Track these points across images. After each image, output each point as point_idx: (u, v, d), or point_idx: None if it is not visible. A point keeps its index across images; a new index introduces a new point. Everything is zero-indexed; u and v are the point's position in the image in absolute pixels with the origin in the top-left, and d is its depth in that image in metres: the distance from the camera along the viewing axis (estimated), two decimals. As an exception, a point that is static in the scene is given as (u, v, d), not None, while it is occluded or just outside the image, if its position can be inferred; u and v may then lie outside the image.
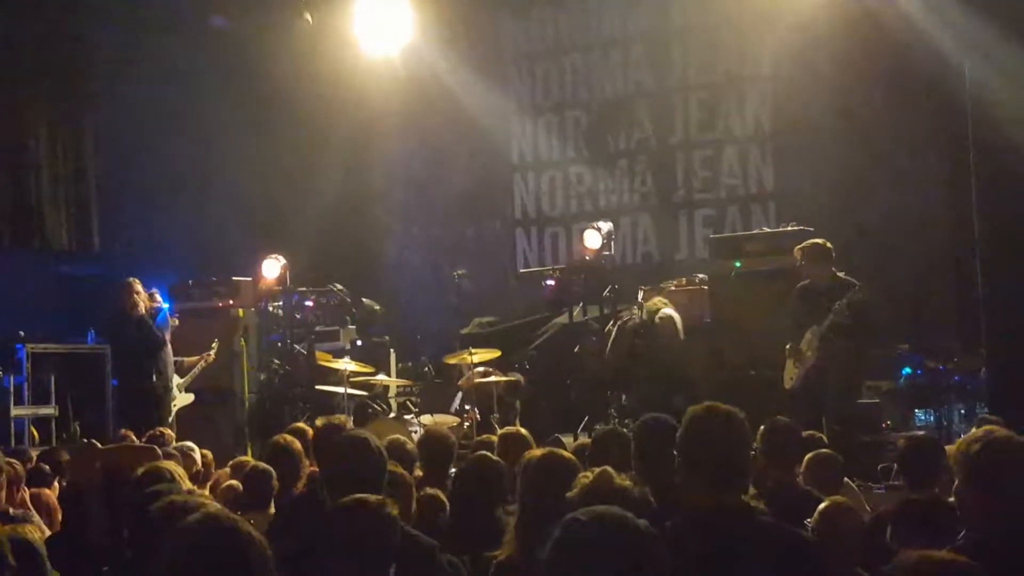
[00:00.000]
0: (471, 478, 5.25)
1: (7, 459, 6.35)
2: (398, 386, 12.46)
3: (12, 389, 10.79)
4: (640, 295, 11.15)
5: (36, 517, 5.95)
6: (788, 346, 9.18)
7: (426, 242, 15.75)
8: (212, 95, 14.26)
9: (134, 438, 8.66)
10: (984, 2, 9.74)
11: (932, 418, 10.62)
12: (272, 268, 12.37)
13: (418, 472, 5.65)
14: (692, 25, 14.42)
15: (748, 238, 11.27)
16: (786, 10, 12.77)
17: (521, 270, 14.82)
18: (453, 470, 5.93)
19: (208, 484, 7.23)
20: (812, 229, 10.23)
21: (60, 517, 6.04)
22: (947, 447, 5.44)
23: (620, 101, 14.97)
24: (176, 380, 11.27)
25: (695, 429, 3.63)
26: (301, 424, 7.56)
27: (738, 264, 10.65)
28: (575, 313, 11.64)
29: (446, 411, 11.57)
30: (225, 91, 14.41)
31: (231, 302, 12.44)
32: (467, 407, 11.31)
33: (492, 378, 11.25)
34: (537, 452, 4.54)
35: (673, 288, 11.66)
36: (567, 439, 9.17)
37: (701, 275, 11.61)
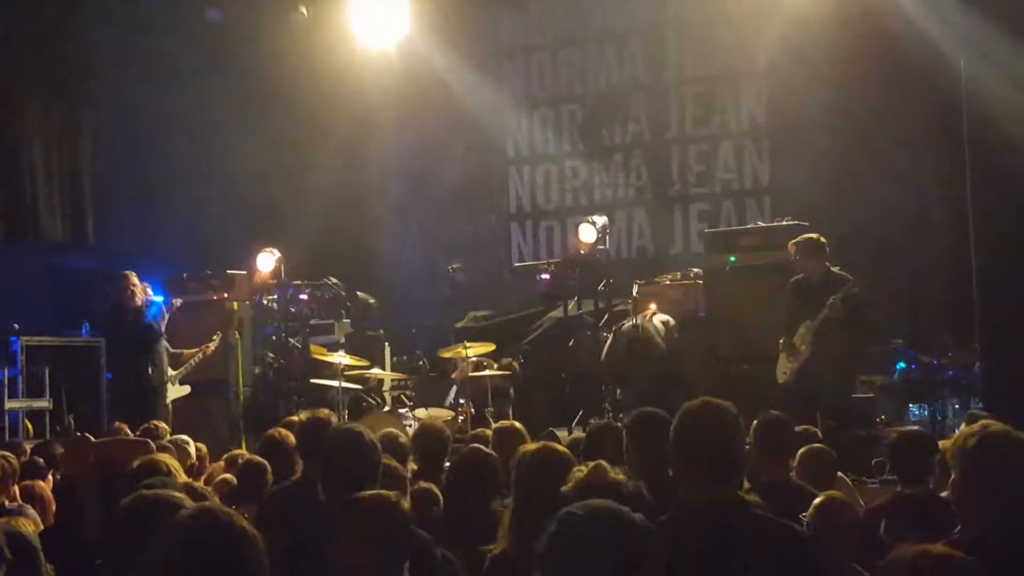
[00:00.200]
0: (465, 472, 5.25)
1: (1, 453, 6.35)
2: (393, 380, 12.45)
3: (6, 382, 10.76)
4: (635, 289, 11.14)
5: (31, 510, 5.94)
6: (782, 341, 9.19)
7: (421, 236, 15.73)
8: (208, 90, 14.20)
9: (128, 431, 8.64)
10: (980, -1, 9.75)
11: (926, 413, 10.65)
12: (267, 261, 12.33)
13: (412, 466, 5.63)
14: (688, 20, 14.41)
15: (743, 233, 11.28)
16: (782, 5, 12.77)
17: (516, 264, 14.82)
18: (447, 464, 5.93)
19: (203, 478, 7.22)
20: (807, 224, 10.24)
21: (54, 510, 6.03)
22: (942, 442, 5.44)
23: (615, 95, 14.98)
24: (169, 372, 11.27)
25: (689, 424, 3.63)
26: (295, 418, 7.56)
27: (733, 259, 10.65)
28: (570, 307, 11.63)
29: (441, 405, 11.59)
30: (221, 86, 14.36)
31: (226, 295, 12.41)
32: (462, 401, 11.32)
33: (487, 372, 11.26)
34: (532, 446, 4.53)
35: (668, 282, 11.69)
36: (561, 433, 9.15)
37: (696, 269, 11.63)
